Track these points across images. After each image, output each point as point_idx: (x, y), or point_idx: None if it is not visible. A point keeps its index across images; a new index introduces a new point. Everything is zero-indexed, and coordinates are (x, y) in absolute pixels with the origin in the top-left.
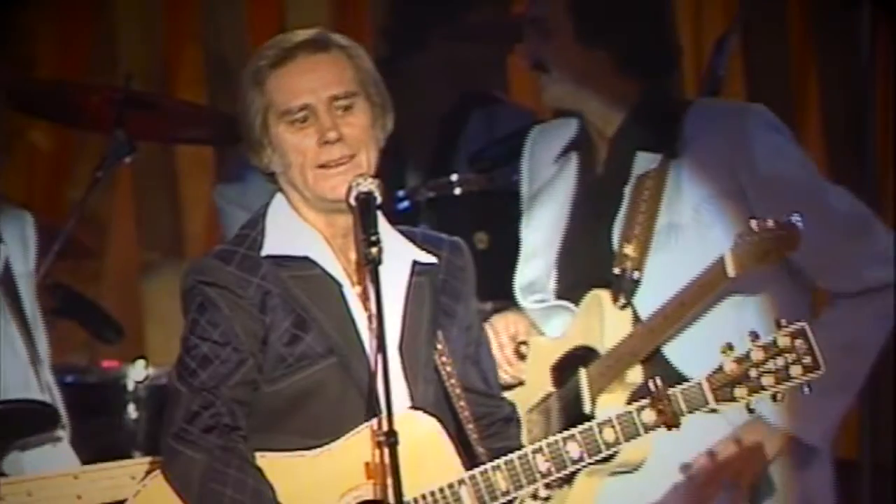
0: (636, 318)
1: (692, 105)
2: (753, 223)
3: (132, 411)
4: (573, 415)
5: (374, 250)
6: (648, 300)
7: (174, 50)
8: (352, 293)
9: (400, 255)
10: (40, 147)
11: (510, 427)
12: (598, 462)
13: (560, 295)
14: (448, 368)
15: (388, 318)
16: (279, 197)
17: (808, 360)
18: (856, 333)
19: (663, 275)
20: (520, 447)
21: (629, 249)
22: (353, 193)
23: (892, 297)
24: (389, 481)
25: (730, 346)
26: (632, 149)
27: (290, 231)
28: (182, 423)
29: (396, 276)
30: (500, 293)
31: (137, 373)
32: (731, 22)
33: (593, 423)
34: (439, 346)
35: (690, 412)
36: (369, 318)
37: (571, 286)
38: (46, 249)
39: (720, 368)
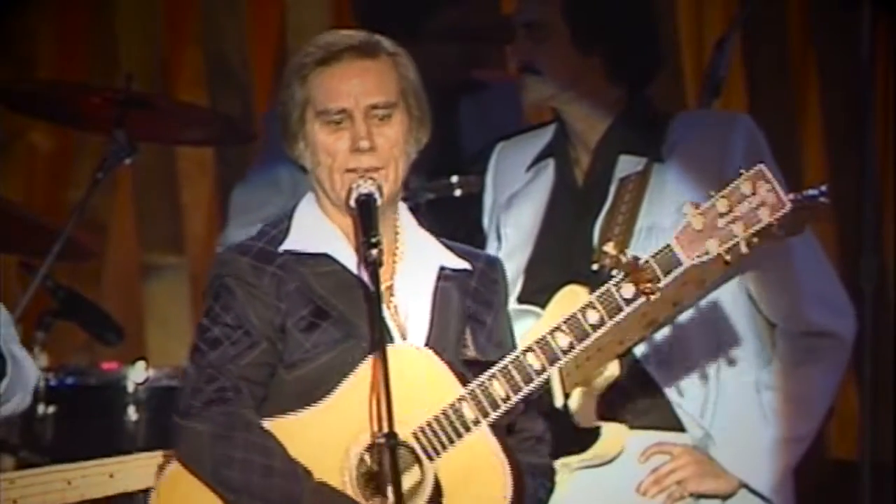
0: None
1: (678, 114)
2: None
3: (132, 413)
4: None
5: (374, 252)
6: None
7: (174, 51)
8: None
9: (428, 258)
10: (40, 148)
11: (542, 445)
12: (572, 453)
13: (526, 299)
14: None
15: (414, 318)
16: (309, 196)
17: (772, 199)
18: (808, 386)
19: None
20: (550, 465)
21: (609, 248)
22: (353, 195)
23: (840, 349)
24: (390, 483)
25: (694, 204)
26: (616, 152)
27: (314, 229)
28: (188, 400)
29: (422, 280)
30: None
31: (137, 374)
32: (731, 22)
33: (576, 310)
34: (468, 342)
35: (666, 275)
36: (395, 312)
37: (541, 289)
38: (46, 250)
39: (688, 225)
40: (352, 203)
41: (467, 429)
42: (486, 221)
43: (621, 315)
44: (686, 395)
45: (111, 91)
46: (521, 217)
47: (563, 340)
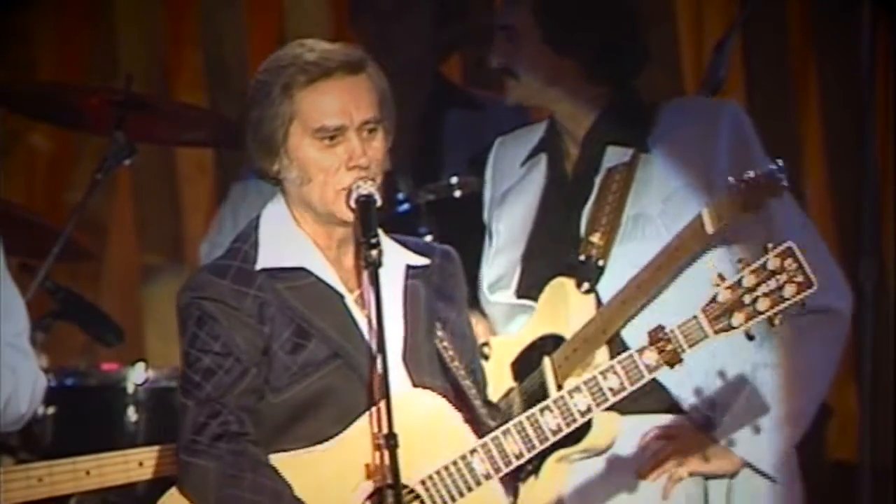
0: (599, 304)
1: (666, 103)
2: (731, 179)
3: (132, 414)
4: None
5: (374, 253)
6: (612, 287)
7: (174, 52)
8: (349, 299)
9: (394, 259)
10: (40, 149)
11: None
12: (566, 446)
13: (523, 294)
14: (451, 352)
15: (388, 321)
16: (271, 207)
17: (800, 278)
18: (805, 362)
19: (628, 263)
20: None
21: (595, 238)
22: (353, 196)
23: (837, 325)
24: (390, 483)
25: (721, 277)
26: (602, 144)
27: (284, 242)
28: (191, 435)
29: (392, 280)
30: None
31: (137, 375)
32: (731, 22)
33: (596, 373)
34: (440, 334)
35: (691, 347)
36: (369, 322)
37: (536, 284)
38: (46, 251)
39: (714, 298)
40: (351, 204)
41: (478, 483)
42: (485, 218)
43: (641, 382)
44: (684, 376)
45: (111, 92)
46: (513, 212)
47: (581, 403)
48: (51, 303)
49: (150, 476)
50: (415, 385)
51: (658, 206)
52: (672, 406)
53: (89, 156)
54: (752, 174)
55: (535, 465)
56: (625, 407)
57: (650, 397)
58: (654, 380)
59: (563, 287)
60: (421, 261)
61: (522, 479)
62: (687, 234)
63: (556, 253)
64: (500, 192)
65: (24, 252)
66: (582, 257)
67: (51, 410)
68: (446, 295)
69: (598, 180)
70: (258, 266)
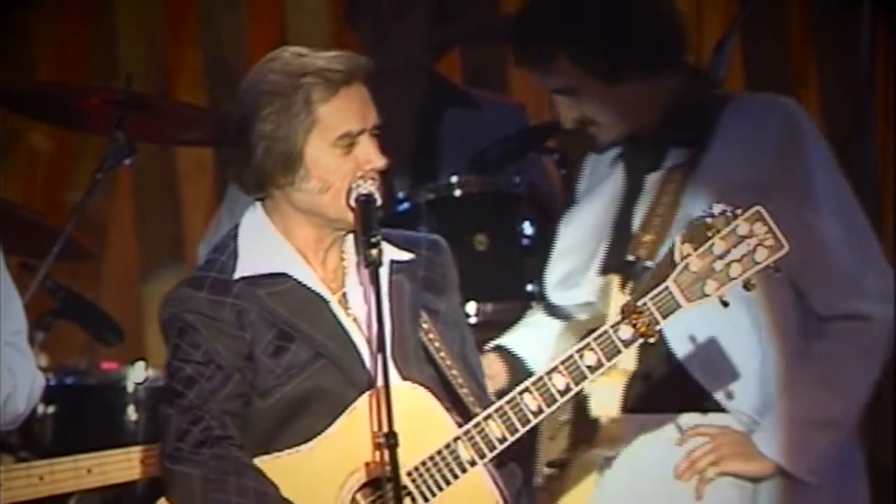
0: None
1: (732, 99)
2: (716, 207)
3: (132, 413)
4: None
5: (374, 252)
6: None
7: (174, 52)
8: (333, 300)
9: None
10: (40, 149)
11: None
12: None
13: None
14: (437, 344)
15: (374, 317)
16: (250, 217)
17: (770, 241)
18: (838, 368)
19: None
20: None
21: (647, 238)
22: (353, 195)
23: (879, 332)
24: (390, 483)
25: (690, 245)
26: (666, 144)
27: (265, 249)
28: (174, 443)
29: (365, 276)
30: (500, 294)
31: (137, 375)
32: (731, 22)
33: (572, 351)
34: (425, 326)
35: (665, 318)
36: (355, 320)
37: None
38: (46, 251)
39: (686, 267)
40: (351, 203)
41: (463, 470)
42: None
43: (617, 357)
44: (721, 373)
45: (111, 92)
46: (583, 214)
47: (559, 382)
48: (51, 302)
49: (152, 474)
50: (403, 379)
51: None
52: (716, 406)
53: (89, 155)
54: (727, 209)
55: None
56: (667, 407)
57: (693, 397)
58: (691, 378)
59: (608, 286)
60: (405, 255)
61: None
62: (662, 265)
63: (617, 254)
64: (585, 187)
65: (24, 251)
66: (631, 257)
67: (51, 409)
68: (434, 286)
69: (656, 179)
70: (236, 275)
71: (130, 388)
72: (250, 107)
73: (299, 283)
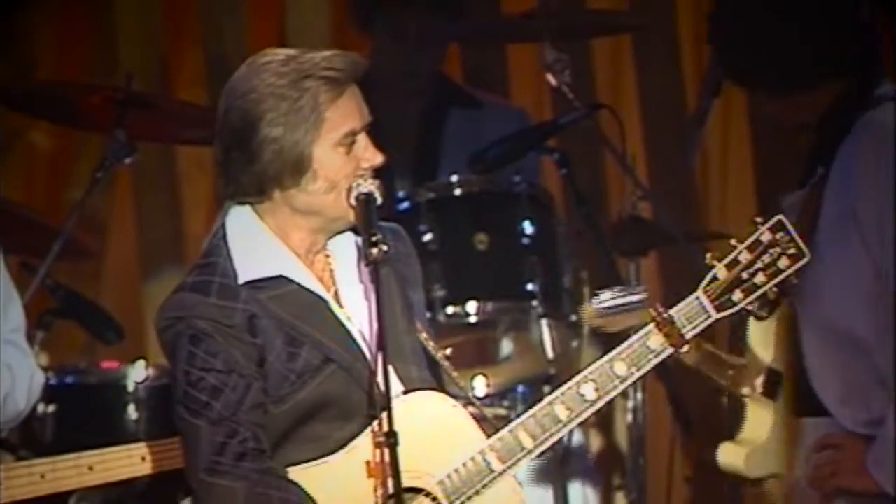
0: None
1: (862, 115)
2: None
3: (132, 412)
4: None
5: (374, 251)
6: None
7: (174, 51)
8: (331, 300)
9: (356, 253)
10: (40, 147)
11: None
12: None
13: None
14: (432, 344)
15: (367, 317)
16: (237, 218)
17: (792, 249)
18: None
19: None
20: None
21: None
22: (354, 194)
23: None
24: (390, 481)
25: (716, 256)
26: (813, 161)
27: (260, 252)
28: (212, 456)
29: (364, 275)
30: (500, 293)
31: (137, 373)
32: None
33: (603, 361)
34: (418, 325)
35: (694, 328)
36: (348, 319)
37: None
38: (46, 250)
39: (714, 278)
40: (352, 201)
41: (494, 479)
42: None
43: (648, 367)
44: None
45: (111, 91)
46: None
47: (589, 392)
48: (51, 301)
49: (153, 471)
50: (400, 376)
51: (821, 232)
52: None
53: (89, 154)
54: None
55: None
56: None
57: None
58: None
59: None
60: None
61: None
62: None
63: None
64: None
65: (24, 251)
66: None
67: (51, 409)
68: (406, 277)
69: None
70: (240, 280)
71: (131, 386)
72: (252, 111)
73: (300, 285)
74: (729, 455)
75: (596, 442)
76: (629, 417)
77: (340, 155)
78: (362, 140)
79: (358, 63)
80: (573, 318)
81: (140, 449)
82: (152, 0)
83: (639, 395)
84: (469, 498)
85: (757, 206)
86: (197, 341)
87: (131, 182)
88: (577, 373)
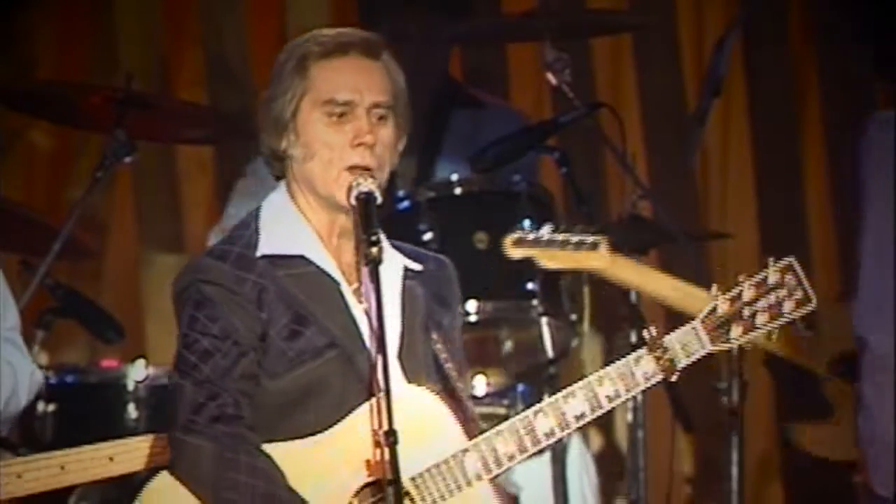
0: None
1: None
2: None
3: (132, 411)
4: None
5: (374, 250)
6: None
7: (174, 50)
8: (348, 290)
9: (392, 260)
10: (40, 147)
11: None
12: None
13: None
14: (444, 354)
15: (386, 318)
16: (273, 196)
17: (799, 294)
18: None
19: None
20: None
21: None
22: (354, 193)
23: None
24: (390, 480)
25: (720, 289)
26: None
27: (285, 229)
28: (189, 415)
29: (390, 280)
30: (500, 292)
31: (137, 372)
32: (731, 22)
33: (591, 378)
34: (434, 336)
35: (688, 357)
36: (366, 313)
37: None
38: (46, 249)
39: (714, 310)
40: (352, 201)
41: (468, 483)
42: None
43: (637, 390)
44: None
45: (111, 90)
46: None
47: (576, 407)
48: (51, 300)
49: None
50: (409, 383)
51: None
52: None
53: (89, 153)
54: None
55: None
56: None
57: None
58: None
59: None
60: (417, 265)
61: None
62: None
63: None
64: None
65: (24, 250)
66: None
67: (51, 408)
68: (442, 299)
69: None
70: (259, 252)
71: (131, 385)
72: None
73: (318, 267)
74: (815, 438)
75: (596, 442)
76: (629, 417)
77: (323, 124)
78: (359, 116)
79: (357, 35)
80: (573, 317)
81: (161, 439)
82: (152, 0)
83: (639, 396)
84: (443, 498)
85: (757, 206)
86: (201, 306)
87: (131, 182)
88: (577, 372)
